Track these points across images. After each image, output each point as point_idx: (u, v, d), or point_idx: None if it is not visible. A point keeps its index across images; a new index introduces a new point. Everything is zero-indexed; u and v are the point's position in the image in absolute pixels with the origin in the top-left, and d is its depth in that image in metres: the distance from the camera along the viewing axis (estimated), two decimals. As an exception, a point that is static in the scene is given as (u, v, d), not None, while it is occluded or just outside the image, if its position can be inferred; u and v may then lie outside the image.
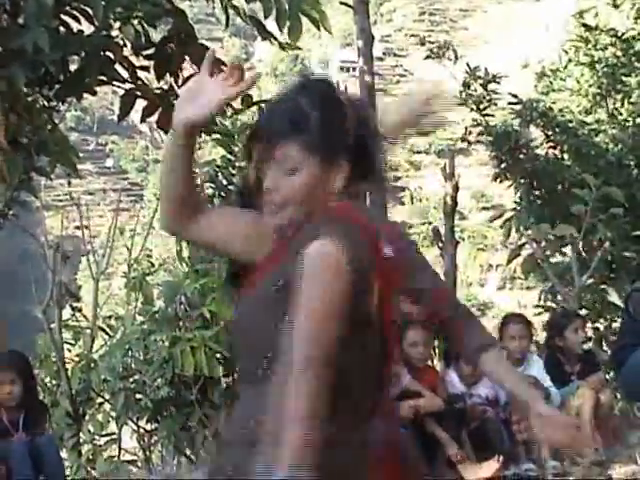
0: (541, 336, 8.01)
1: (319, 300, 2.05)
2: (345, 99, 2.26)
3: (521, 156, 10.34)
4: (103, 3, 5.52)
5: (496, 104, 10.71)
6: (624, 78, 10.42)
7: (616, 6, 11.74)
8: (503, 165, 10.40)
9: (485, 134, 10.50)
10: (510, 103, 10.71)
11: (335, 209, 2.18)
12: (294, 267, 2.05)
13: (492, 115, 10.69)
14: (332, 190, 2.20)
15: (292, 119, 2.19)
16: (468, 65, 10.95)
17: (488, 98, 10.63)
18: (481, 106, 10.62)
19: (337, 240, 2.06)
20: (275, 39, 6.39)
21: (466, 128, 10.95)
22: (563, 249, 8.70)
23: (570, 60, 11.18)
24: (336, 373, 2.03)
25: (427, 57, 13.09)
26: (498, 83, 10.75)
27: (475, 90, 10.71)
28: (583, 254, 8.70)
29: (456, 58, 12.32)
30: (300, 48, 6.85)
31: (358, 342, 2.11)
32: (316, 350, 2.00)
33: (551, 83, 11.41)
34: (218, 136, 7.49)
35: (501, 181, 10.57)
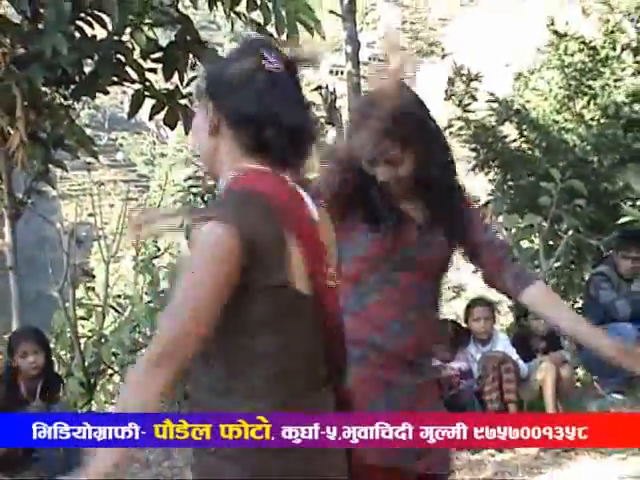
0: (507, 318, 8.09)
1: None
2: None
3: (497, 149, 10.35)
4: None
5: (477, 99, 10.67)
6: (590, 82, 10.44)
7: (585, 14, 11.77)
8: (481, 157, 10.41)
9: (465, 128, 10.47)
10: (488, 101, 10.70)
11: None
12: None
13: (473, 111, 10.67)
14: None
15: None
16: (455, 62, 10.91)
17: (470, 95, 10.59)
18: (463, 102, 10.59)
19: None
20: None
21: (449, 121, 10.89)
22: (532, 237, 8.76)
23: (543, 63, 11.20)
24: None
25: (418, 52, 13.03)
26: (480, 81, 10.71)
27: (458, 87, 10.68)
28: (550, 241, 8.77)
29: (444, 55, 12.21)
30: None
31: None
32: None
33: (526, 84, 11.43)
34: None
35: (477, 172, 10.58)
